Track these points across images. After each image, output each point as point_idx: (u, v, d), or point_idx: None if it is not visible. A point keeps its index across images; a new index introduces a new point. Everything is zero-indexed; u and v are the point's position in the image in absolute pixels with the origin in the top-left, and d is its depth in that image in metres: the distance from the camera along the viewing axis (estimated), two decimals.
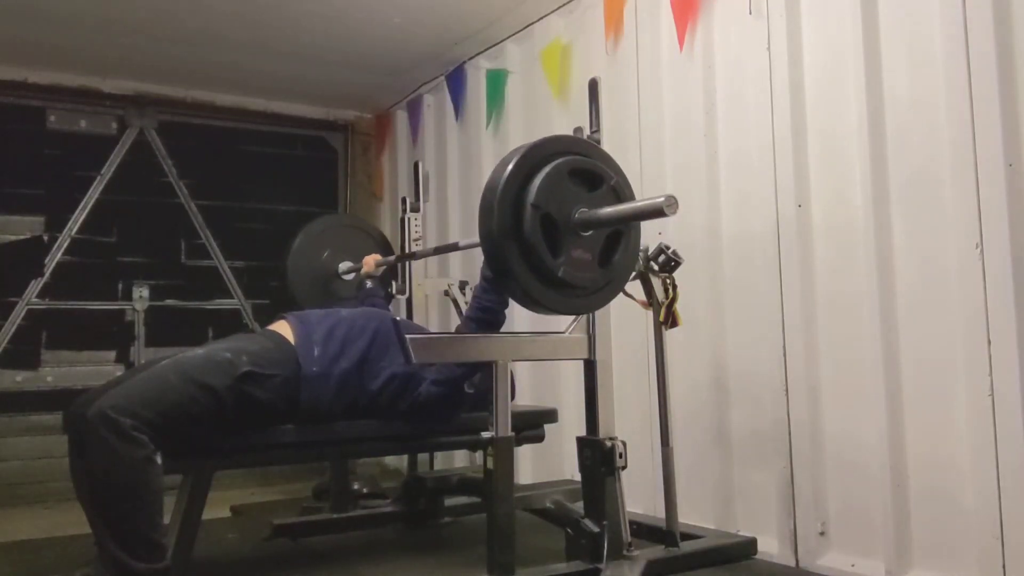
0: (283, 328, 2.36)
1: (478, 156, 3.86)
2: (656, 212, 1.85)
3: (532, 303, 1.95)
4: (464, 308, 3.23)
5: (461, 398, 2.40)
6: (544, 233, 1.86)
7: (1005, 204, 1.91)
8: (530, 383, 3.38)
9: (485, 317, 2.31)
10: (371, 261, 3.19)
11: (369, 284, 3.14)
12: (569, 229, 1.91)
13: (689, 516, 2.52)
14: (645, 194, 2.91)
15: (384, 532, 2.91)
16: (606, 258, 2.00)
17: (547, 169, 1.89)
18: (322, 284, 3.35)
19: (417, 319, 3.32)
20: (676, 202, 1.80)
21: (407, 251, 3.33)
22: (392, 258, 3.26)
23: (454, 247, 3.05)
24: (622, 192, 2.00)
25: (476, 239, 2.05)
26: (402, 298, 3.39)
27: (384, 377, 2.33)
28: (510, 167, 1.88)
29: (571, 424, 2.80)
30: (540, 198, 1.85)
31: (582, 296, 2.01)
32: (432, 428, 2.44)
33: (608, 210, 1.93)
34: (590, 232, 1.94)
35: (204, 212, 4.43)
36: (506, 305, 2.30)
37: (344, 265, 3.36)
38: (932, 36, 2.10)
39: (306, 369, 2.23)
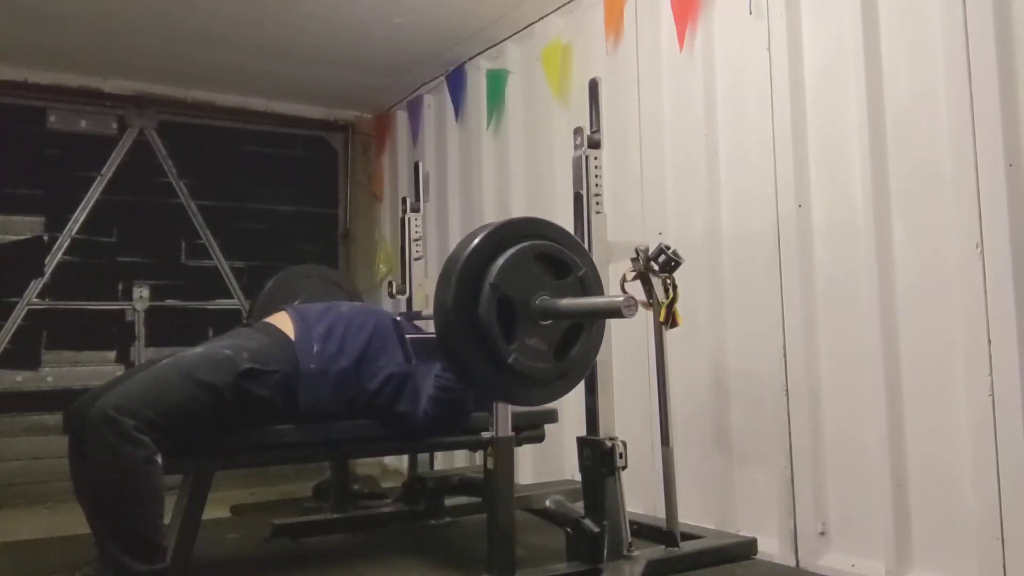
0: (282, 321, 2.35)
1: (478, 156, 3.86)
2: (614, 312, 1.81)
3: (477, 387, 1.89)
4: None
5: (462, 418, 2.40)
6: (499, 316, 1.80)
7: (1005, 204, 1.91)
8: None
9: (447, 397, 2.29)
10: None
11: None
12: (527, 315, 1.84)
13: (689, 516, 2.52)
14: (645, 198, 2.93)
15: (384, 532, 2.91)
16: (563, 350, 1.92)
17: (513, 250, 1.84)
18: None
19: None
20: (635, 303, 1.77)
21: (407, 252, 3.33)
22: None
23: (417, 315, 3.00)
24: (589, 284, 1.95)
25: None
26: (402, 298, 3.39)
27: (382, 377, 2.32)
28: (475, 242, 1.84)
29: (571, 424, 2.80)
30: (500, 278, 1.80)
31: (533, 387, 1.92)
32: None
33: (567, 303, 1.86)
34: (549, 321, 1.87)
35: (204, 212, 4.43)
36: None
37: None
38: (932, 35, 2.10)
39: (304, 366, 2.23)
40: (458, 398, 2.33)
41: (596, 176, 2.31)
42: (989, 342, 1.93)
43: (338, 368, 2.28)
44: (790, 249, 2.42)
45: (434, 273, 3.94)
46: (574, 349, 1.93)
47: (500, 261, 1.82)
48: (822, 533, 2.32)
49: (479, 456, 2.45)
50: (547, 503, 2.47)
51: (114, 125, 4.26)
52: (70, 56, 3.89)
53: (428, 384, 2.36)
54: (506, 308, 1.82)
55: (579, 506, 2.31)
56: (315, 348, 2.27)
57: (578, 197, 2.33)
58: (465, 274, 1.81)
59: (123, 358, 4.16)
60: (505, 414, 2.11)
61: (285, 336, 2.28)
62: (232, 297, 4.48)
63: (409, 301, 3.37)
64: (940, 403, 2.07)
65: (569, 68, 3.32)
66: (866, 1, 2.25)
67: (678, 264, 2.35)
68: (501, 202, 3.66)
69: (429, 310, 3.11)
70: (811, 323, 2.38)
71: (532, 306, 1.84)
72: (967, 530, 1.99)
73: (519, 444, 2.37)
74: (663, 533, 2.36)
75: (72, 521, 2.54)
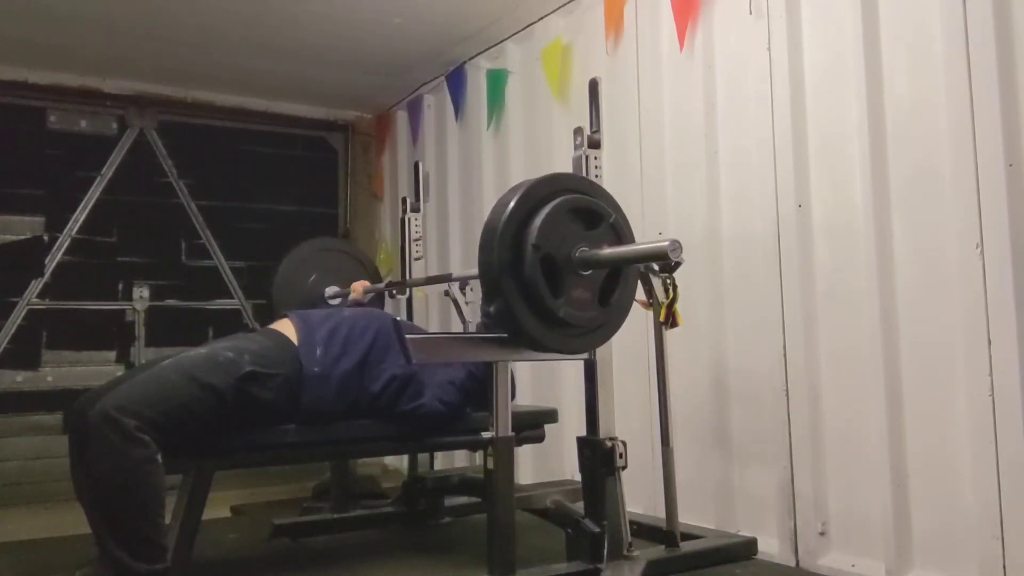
0: (285, 327, 2.36)
1: (478, 156, 3.86)
2: (659, 256, 1.85)
3: (531, 343, 1.94)
4: (464, 309, 3.23)
5: (462, 416, 2.43)
6: (544, 273, 1.86)
7: (1005, 204, 1.91)
8: (530, 383, 3.38)
9: (479, 374, 2.35)
10: (359, 287, 3.16)
11: None
12: (569, 268, 1.90)
13: (689, 516, 2.52)
14: (645, 198, 2.92)
15: (384, 532, 2.91)
16: (605, 296, 1.98)
17: (547, 209, 1.88)
18: (307, 307, 3.32)
19: (417, 319, 3.32)
20: (680, 247, 1.80)
21: (407, 252, 3.33)
22: (381, 285, 3.24)
23: (448, 277, 3.03)
24: (621, 229, 2.00)
25: (472, 271, 2.03)
26: (402, 298, 3.39)
27: (385, 379, 2.33)
28: (510, 206, 1.87)
29: (571, 424, 2.80)
30: (540, 239, 1.85)
31: (581, 335, 2.00)
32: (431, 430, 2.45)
33: (609, 251, 1.92)
34: (590, 271, 1.93)
35: (204, 212, 4.43)
36: None
37: (331, 290, 3.33)
38: (932, 36, 2.10)
39: (308, 369, 2.23)
40: (460, 404, 2.39)
41: (596, 176, 2.31)
42: (989, 342, 1.93)
43: (341, 371, 2.28)
44: (790, 249, 2.42)
45: (435, 273, 3.96)
46: (615, 293, 2.00)
47: (537, 222, 1.86)
48: (822, 533, 2.32)
49: (479, 456, 2.45)
50: (547, 503, 2.47)
51: (114, 125, 4.26)
52: (70, 56, 3.89)
53: (448, 374, 2.38)
54: (549, 265, 1.87)
55: (579, 506, 2.31)
56: (318, 352, 2.27)
57: None
58: (505, 240, 1.85)
59: (123, 358, 4.16)
60: (505, 414, 2.11)
61: (288, 340, 2.29)
62: (232, 297, 4.48)
63: (409, 301, 3.37)
64: (940, 403, 2.07)
65: (569, 68, 3.32)
66: (866, 1, 2.25)
67: (678, 264, 2.34)
68: None
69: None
70: (811, 323, 2.38)
71: (574, 259, 1.90)
72: (967, 530, 1.99)
73: (519, 444, 2.37)
74: (663, 533, 2.36)
75: (72, 521, 2.53)
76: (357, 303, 3.13)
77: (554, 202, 1.90)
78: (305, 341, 2.29)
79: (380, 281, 3.35)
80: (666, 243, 1.79)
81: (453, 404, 2.38)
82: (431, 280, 3.15)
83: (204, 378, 2.04)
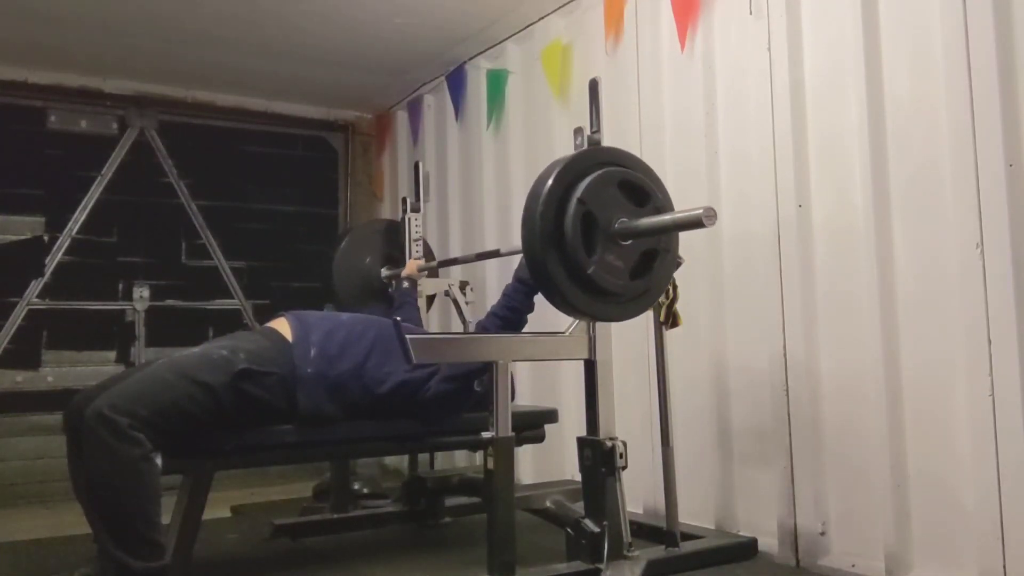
0: (281, 326, 2.35)
1: (478, 156, 3.86)
2: (694, 223, 1.90)
3: (561, 300, 1.98)
4: (464, 309, 3.24)
5: (469, 395, 2.41)
6: (583, 230, 1.92)
7: (1005, 204, 1.91)
8: (530, 383, 3.38)
9: (511, 316, 2.36)
10: (413, 265, 3.23)
11: (405, 284, 3.18)
12: (608, 234, 1.96)
13: (689, 516, 2.52)
14: None
15: (384, 532, 2.91)
16: (639, 272, 2.04)
17: (599, 172, 1.97)
18: (364, 283, 3.40)
19: None
20: (715, 213, 1.86)
21: (407, 252, 3.33)
22: (435, 263, 3.30)
23: (495, 253, 3.04)
24: (664, 212, 2.05)
25: (516, 246, 2.08)
26: None
27: (392, 383, 2.32)
28: (569, 160, 1.97)
29: (571, 424, 2.80)
30: (587, 195, 1.93)
31: (612, 304, 2.05)
32: (433, 428, 2.45)
33: (646, 220, 1.98)
34: (628, 242, 1.99)
35: (204, 212, 4.43)
36: (531, 309, 2.36)
37: (386, 270, 3.41)
38: (932, 36, 2.10)
39: (301, 370, 2.22)
40: (467, 374, 2.37)
41: None
42: (989, 342, 1.93)
43: (336, 372, 2.27)
44: (790, 249, 2.42)
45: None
46: (649, 273, 2.06)
47: (587, 180, 1.95)
48: (822, 533, 2.32)
49: (479, 456, 2.45)
50: (547, 503, 2.47)
51: (114, 125, 4.27)
52: (70, 56, 3.89)
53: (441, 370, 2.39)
54: (589, 224, 1.94)
55: (579, 506, 2.31)
56: (312, 352, 2.27)
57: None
58: (555, 189, 1.94)
59: (123, 358, 4.16)
60: (505, 414, 2.11)
61: (283, 339, 2.28)
62: (232, 297, 4.49)
63: None
64: (940, 403, 2.07)
65: (569, 68, 3.32)
66: (866, 2, 2.25)
67: (678, 264, 2.34)
68: (501, 202, 3.66)
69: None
70: (811, 323, 2.38)
71: (614, 226, 1.97)
72: (967, 530, 1.99)
73: (519, 444, 2.37)
74: (663, 533, 2.36)
75: (72, 521, 2.54)
76: (409, 278, 3.20)
77: (607, 168, 1.99)
78: (300, 341, 2.28)
79: (434, 259, 3.41)
80: (700, 211, 1.85)
81: (459, 376, 2.36)
82: (480, 256, 3.19)
83: (198, 376, 2.04)
